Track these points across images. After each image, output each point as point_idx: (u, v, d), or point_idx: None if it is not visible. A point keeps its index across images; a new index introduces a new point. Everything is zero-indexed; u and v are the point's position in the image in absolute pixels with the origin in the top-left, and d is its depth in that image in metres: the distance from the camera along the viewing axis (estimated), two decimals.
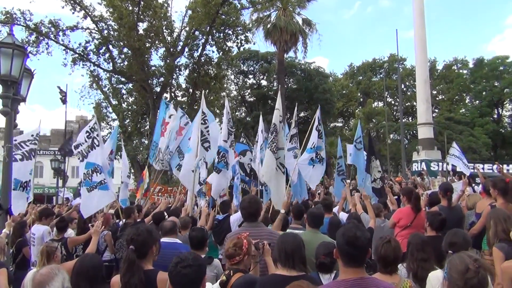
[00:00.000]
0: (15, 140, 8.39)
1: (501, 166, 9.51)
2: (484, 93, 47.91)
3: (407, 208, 6.38)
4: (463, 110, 50.81)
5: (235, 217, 7.08)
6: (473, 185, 12.84)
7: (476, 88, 48.77)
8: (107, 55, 27.46)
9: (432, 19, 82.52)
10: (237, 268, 3.60)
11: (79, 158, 8.43)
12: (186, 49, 28.09)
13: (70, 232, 7.66)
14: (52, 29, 25.40)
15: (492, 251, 4.34)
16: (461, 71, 53.24)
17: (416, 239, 4.09)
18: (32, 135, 8.94)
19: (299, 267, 3.31)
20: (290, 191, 8.46)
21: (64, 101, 24.37)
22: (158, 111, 12.59)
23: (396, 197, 9.38)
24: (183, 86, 30.28)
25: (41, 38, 25.37)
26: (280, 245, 3.41)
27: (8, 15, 23.93)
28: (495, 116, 49.52)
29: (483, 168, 17.98)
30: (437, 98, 52.59)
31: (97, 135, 8.45)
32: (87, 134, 8.45)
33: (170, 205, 9.70)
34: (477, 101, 49.65)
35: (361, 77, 55.81)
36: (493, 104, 48.34)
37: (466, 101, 53.21)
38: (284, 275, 3.25)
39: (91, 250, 5.31)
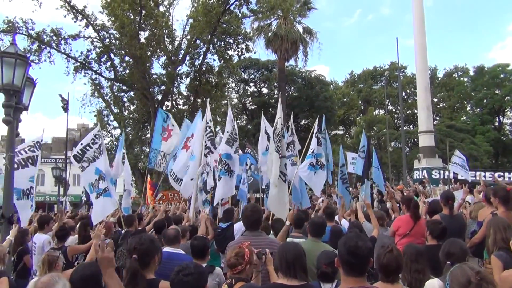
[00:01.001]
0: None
1: (497, 178, 9.51)
2: (485, 100, 47.98)
3: (406, 216, 6.36)
4: (464, 117, 50.83)
5: (239, 225, 7.06)
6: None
7: (477, 95, 48.85)
8: (108, 63, 27.55)
9: (432, 27, 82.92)
10: (239, 277, 3.60)
11: (81, 167, 8.41)
12: (187, 58, 28.20)
13: (72, 239, 7.64)
14: (54, 37, 25.49)
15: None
16: (461, 78, 53.31)
17: (411, 250, 4.06)
18: (33, 141, 8.92)
19: (300, 276, 3.30)
20: (291, 200, 8.46)
21: (65, 109, 24.44)
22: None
23: (397, 205, 9.36)
24: (185, 94, 30.40)
25: (43, 46, 25.46)
26: (281, 254, 3.41)
27: (10, 24, 24.05)
28: (496, 123, 49.57)
29: (484, 176, 17.98)
30: (438, 106, 52.65)
31: (101, 142, 8.53)
32: (92, 140, 8.49)
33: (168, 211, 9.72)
34: (478, 109, 49.70)
35: (362, 85, 55.89)
36: (494, 111, 48.41)
37: (467, 109, 53.26)
38: (285, 284, 3.25)
39: (92, 256, 5.29)
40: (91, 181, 8.28)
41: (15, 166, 8.43)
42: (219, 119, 30.21)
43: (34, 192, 8.86)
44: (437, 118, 50.00)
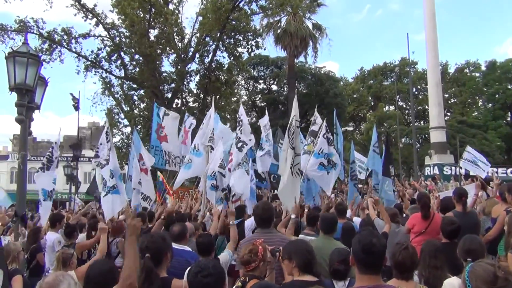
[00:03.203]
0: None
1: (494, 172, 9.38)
2: (497, 96, 47.42)
3: (420, 214, 6.29)
4: (476, 113, 50.36)
5: (249, 222, 7.05)
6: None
7: (488, 91, 48.29)
8: (118, 62, 27.68)
9: (443, 22, 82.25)
10: (253, 275, 3.59)
11: (99, 165, 8.52)
12: (197, 55, 28.21)
13: (81, 237, 7.69)
14: (65, 37, 25.70)
15: None
16: (473, 74, 52.77)
17: (430, 246, 4.03)
18: (52, 146, 9.11)
19: (315, 272, 3.33)
20: (301, 196, 8.45)
21: (76, 108, 24.60)
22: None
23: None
24: (194, 92, 30.40)
25: (54, 46, 25.68)
26: (297, 251, 3.42)
27: (22, 24, 24.27)
28: (509, 119, 48.96)
29: (497, 172, 17.74)
30: (449, 102, 52.17)
31: (109, 140, 8.58)
32: (106, 139, 8.60)
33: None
34: (490, 104, 49.14)
35: (372, 81, 55.56)
36: (506, 107, 47.80)
37: (479, 104, 52.72)
38: (305, 280, 3.28)
39: (101, 249, 5.30)
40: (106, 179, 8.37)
41: (44, 166, 8.56)
42: (228, 116, 30.22)
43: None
44: (449, 113, 49.56)
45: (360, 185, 12.36)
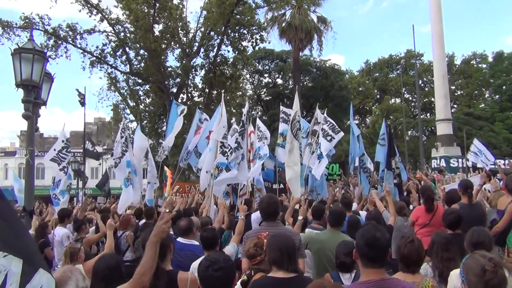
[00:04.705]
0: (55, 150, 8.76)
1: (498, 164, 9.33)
2: (504, 87, 46.96)
3: (424, 207, 6.29)
4: (483, 105, 49.92)
5: (256, 216, 7.08)
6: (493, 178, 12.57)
7: (496, 82, 47.85)
8: (124, 57, 27.68)
9: (449, 13, 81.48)
10: (258, 268, 3.61)
11: (115, 161, 8.68)
12: (202, 50, 28.17)
13: (90, 232, 7.75)
14: (70, 33, 25.72)
15: None
16: (480, 65, 52.28)
17: (440, 238, 4.00)
18: (63, 141, 9.24)
19: (292, 268, 3.30)
20: (306, 193, 8.50)
21: (82, 103, 24.70)
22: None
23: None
24: (199, 86, 30.42)
25: (60, 42, 25.72)
26: (275, 246, 3.39)
27: (27, 20, 24.33)
28: None
29: (504, 164, 17.65)
30: (456, 94, 51.76)
31: (126, 136, 8.70)
32: (121, 135, 8.71)
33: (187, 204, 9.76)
34: (497, 96, 48.67)
35: (377, 74, 55.20)
36: None
37: (486, 96, 52.24)
38: (280, 277, 3.25)
39: (108, 245, 5.34)
40: (126, 175, 8.48)
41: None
42: (234, 110, 30.19)
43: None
44: (455, 106, 49.21)
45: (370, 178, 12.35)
